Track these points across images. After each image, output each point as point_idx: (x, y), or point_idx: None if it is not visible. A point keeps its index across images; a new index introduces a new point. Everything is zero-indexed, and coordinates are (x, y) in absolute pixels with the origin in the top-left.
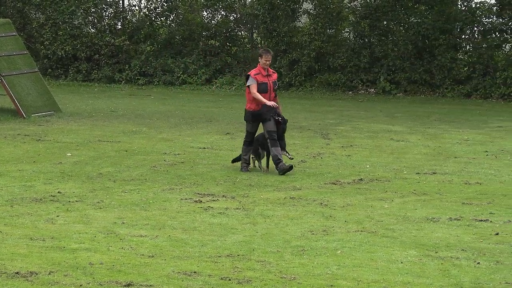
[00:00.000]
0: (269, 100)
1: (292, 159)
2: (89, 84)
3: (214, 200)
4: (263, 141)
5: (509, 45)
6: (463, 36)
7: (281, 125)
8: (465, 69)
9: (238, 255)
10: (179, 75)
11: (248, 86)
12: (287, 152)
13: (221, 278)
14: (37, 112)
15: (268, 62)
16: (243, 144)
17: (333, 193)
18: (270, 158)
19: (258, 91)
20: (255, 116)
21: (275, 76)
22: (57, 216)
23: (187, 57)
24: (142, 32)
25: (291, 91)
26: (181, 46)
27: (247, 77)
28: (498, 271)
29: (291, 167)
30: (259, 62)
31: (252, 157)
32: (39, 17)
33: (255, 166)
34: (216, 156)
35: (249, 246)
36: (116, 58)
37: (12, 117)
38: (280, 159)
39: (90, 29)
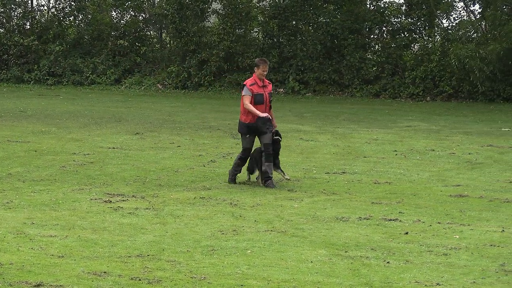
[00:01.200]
0: (264, 112)
1: (289, 179)
2: None
3: (124, 200)
4: (259, 158)
5: (418, 44)
6: (372, 36)
7: (278, 144)
8: (374, 69)
9: (148, 255)
10: (88, 75)
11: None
12: (282, 171)
13: (131, 278)
14: None
15: (265, 73)
16: (237, 159)
17: (242, 192)
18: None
19: (254, 103)
20: (251, 128)
21: (270, 87)
22: None
23: (96, 57)
24: (51, 32)
25: (200, 91)
26: (90, 46)
27: (243, 86)
28: (408, 270)
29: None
30: (254, 72)
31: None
32: None
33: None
34: (126, 156)
35: (159, 246)
36: (25, 58)
37: None
38: (270, 176)
39: None
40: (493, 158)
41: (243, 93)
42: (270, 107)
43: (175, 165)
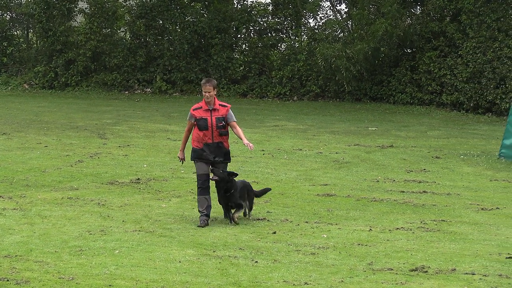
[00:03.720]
0: (212, 139)
1: (237, 224)
2: None
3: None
4: (244, 190)
5: (285, 44)
6: (239, 36)
7: (221, 183)
8: (241, 68)
9: (16, 256)
10: None
11: None
12: (232, 216)
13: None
14: None
15: (208, 94)
16: (198, 193)
17: (110, 193)
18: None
19: (198, 128)
20: (197, 153)
21: (223, 110)
22: None
23: None
24: None
25: (67, 91)
26: None
27: None
28: (276, 270)
29: (206, 225)
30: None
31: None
32: None
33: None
34: None
35: (27, 246)
36: None
37: None
38: (200, 210)
39: None
40: (360, 157)
41: (187, 118)
42: (223, 134)
43: (43, 165)
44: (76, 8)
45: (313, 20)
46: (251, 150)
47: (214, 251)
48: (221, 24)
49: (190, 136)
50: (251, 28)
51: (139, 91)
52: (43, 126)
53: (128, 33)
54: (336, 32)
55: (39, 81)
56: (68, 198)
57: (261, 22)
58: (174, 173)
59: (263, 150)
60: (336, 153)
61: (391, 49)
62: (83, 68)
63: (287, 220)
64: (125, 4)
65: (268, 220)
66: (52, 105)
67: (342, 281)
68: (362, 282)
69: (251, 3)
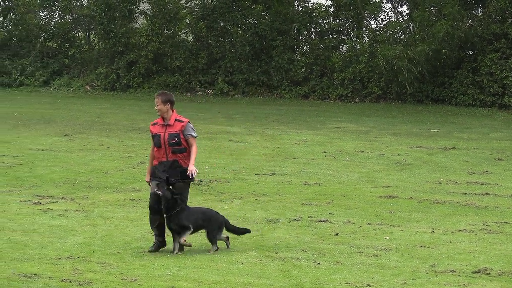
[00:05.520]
0: (166, 157)
1: (187, 247)
2: None
3: (53, 202)
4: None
5: (346, 46)
6: (300, 37)
7: (163, 201)
8: (303, 70)
9: (79, 257)
10: (16, 76)
11: None
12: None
13: (62, 280)
14: None
15: (156, 108)
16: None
17: None
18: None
19: (154, 145)
20: (152, 171)
21: (178, 126)
22: None
23: (25, 58)
24: None
25: (129, 93)
26: (18, 47)
27: None
28: (338, 271)
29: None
30: None
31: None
32: None
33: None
34: (55, 158)
35: (89, 248)
36: None
37: None
38: (154, 234)
39: None
40: (422, 159)
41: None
42: (176, 151)
43: (105, 167)
44: (138, 9)
45: (374, 22)
46: (191, 176)
47: (276, 253)
48: (282, 26)
49: None
50: (312, 29)
51: (200, 92)
52: (105, 127)
53: (189, 34)
54: (398, 34)
55: (101, 82)
56: (130, 199)
57: (322, 24)
58: (236, 174)
59: (325, 152)
60: (398, 155)
61: (453, 50)
62: (145, 70)
63: (349, 222)
64: (186, 5)
65: (330, 222)
66: (114, 107)
67: (404, 283)
68: (424, 284)
69: (312, 5)
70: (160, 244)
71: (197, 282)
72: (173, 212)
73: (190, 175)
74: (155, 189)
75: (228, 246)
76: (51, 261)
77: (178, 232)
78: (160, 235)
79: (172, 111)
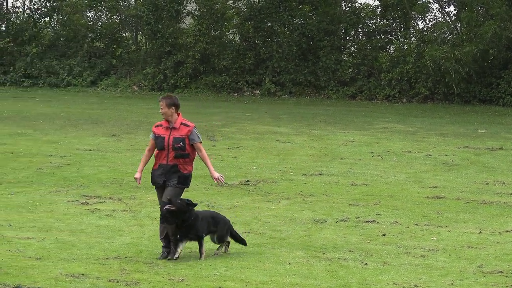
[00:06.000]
0: (167, 161)
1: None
2: None
3: (101, 202)
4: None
5: (393, 46)
6: (348, 38)
7: (178, 214)
8: (350, 70)
9: (126, 257)
10: (64, 77)
11: None
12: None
13: (109, 280)
14: None
15: (161, 111)
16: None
17: (219, 194)
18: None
19: (156, 148)
20: (152, 177)
21: (184, 130)
22: None
23: (72, 58)
24: (26, 34)
25: (176, 93)
26: (65, 48)
27: None
28: (385, 272)
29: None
30: None
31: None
32: None
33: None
34: (102, 158)
35: (137, 248)
36: (0, 60)
37: None
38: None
39: None
40: (470, 159)
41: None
42: (178, 155)
43: (152, 166)
44: (185, 9)
45: (421, 22)
46: (220, 186)
47: (323, 253)
48: (329, 26)
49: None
50: (359, 30)
51: (248, 93)
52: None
53: (237, 35)
54: (445, 34)
55: (148, 83)
56: None
57: (370, 24)
58: (283, 175)
59: (372, 152)
60: (446, 155)
61: (500, 51)
62: (192, 70)
63: (397, 222)
64: (234, 6)
65: (377, 223)
66: None
67: (452, 283)
68: (472, 284)
69: (360, 5)
70: (167, 255)
71: (245, 282)
72: (189, 222)
73: (219, 183)
74: (167, 207)
75: (226, 251)
76: (98, 261)
77: (193, 240)
78: (167, 246)
79: (178, 115)
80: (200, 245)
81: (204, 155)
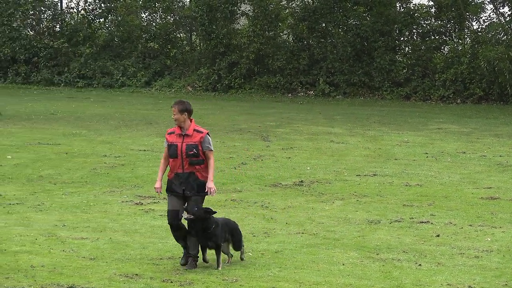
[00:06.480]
0: (183, 169)
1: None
2: (28, 86)
3: (155, 203)
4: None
5: (448, 47)
6: (402, 38)
7: (197, 223)
8: (404, 71)
9: (180, 257)
10: (118, 77)
11: None
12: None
13: (163, 281)
14: None
15: (173, 117)
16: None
17: (273, 195)
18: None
19: (169, 155)
20: (168, 185)
21: (197, 137)
22: None
23: (126, 59)
24: (81, 34)
25: (231, 93)
26: (120, 49)
27: None
28: (439, 273)
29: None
30: None
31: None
32: None
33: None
34: (156, 158)
35: None
36: (55, 61)
37: None
38: (189, 253)
39: (28, 32)
40: None
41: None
42: (194, 162)
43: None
44: (239, 10)
45: (476, 23)
46: (211, 195)
47: (377, 254)
48: (383, 27)
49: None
50: (414, 30)
51: (302, 93)
52: (206, 128)
53: (291, 35)
54: (499, 35)
55: (202, 83)
56: (231, 200)
57: (424, 25)
58: (338, 175)
59: (426, 153)
60: (500, 156)
61: None
62: (246, 71)
63: (451, 223)
64: (288, 6)
65: (431, 223)
66: (215, 108)
67: (506, 284)
68: None
69: (414, 5)
70: (196, 262)
71: (298, 283)
72: (211, 229)
73: (209, 192)
74: (184, 216)
75: (229, 261)
76: (152, 261)
77: (212, 248)
78: (185, 246)
79: (190, 121)
80: (218, 253)
81: (211, 164)
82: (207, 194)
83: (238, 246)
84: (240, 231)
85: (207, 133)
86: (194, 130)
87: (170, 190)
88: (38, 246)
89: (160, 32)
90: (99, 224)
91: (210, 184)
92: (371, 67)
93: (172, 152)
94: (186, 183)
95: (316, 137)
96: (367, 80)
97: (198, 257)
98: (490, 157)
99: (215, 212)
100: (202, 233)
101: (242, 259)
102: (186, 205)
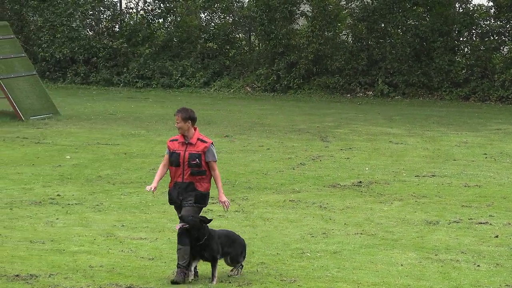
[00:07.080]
0: (182, 178)
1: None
2: (87, 87)
3: (213, 203)
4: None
5: (507, 47)
6: (461, 39)
7: (192, 231)
8: (463, 71)
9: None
10: (177, 77)
11: None
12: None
13: (222, 281)
14: (36, 115)
15: (176, 125)
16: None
17: (332, 195)
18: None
19: (170, 163)
20: (169, 197)
21: (201, 146)
22: (57, 219)
23: (185, 59)
24: (140, 35)
25: (289, 94)
26: (179, 49)
27: None
28: (498, 274)
29: (176, 282)
30: None
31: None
32: (37, 20)
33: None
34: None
35: (249, 248)
36: (114, 61)
37: (11, 120)
38: (178, 264)
39: (88, 32)
40: None
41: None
42: (195, 173)
43: (264, 168)
44: (298, 10)
45: None
46: (225, 210)
47: (436, 255)
48: (443, 28)
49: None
50: (473, 31)
51: (360, 94)
52: (265, 129)
53: (350, 36)
54: None
55: (261, 84)
56: (290, 200)
57: (483, 25)
58: (396, 176)
59: (485, 154)
60: None
61: None
62: (305, 71)
63: (510, 224)
64: (347, 7)
65: (490, 224)
66: (274, 108)
67: None
68: None
69: (473, 6)
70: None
71: (357, 283)
72: (204, 239)
73: (224, 207)
74: (180, 225)
75: (239, 274)
76: None
77: (207, 260)
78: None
79: (194, 129)
80: (213, 267)
81: (216, 175)
82: (204, 206)
83: (235, 259)
84: (242, 245)
85: (211, 143)
86: (198, 139)
87: (170, 201)
88: (96, 246)
89: (219, 33)
90: (157, 224)
91: (223, 198)
92: (430, 68)
93: (174, 160)
94: (184, 193)
95: (375, 138)
96: (426, 81)
97: (187, 268)
98: None
99: (210, 220)
100: (196, 243)
101: (229, 275)
102: (181, 214)
